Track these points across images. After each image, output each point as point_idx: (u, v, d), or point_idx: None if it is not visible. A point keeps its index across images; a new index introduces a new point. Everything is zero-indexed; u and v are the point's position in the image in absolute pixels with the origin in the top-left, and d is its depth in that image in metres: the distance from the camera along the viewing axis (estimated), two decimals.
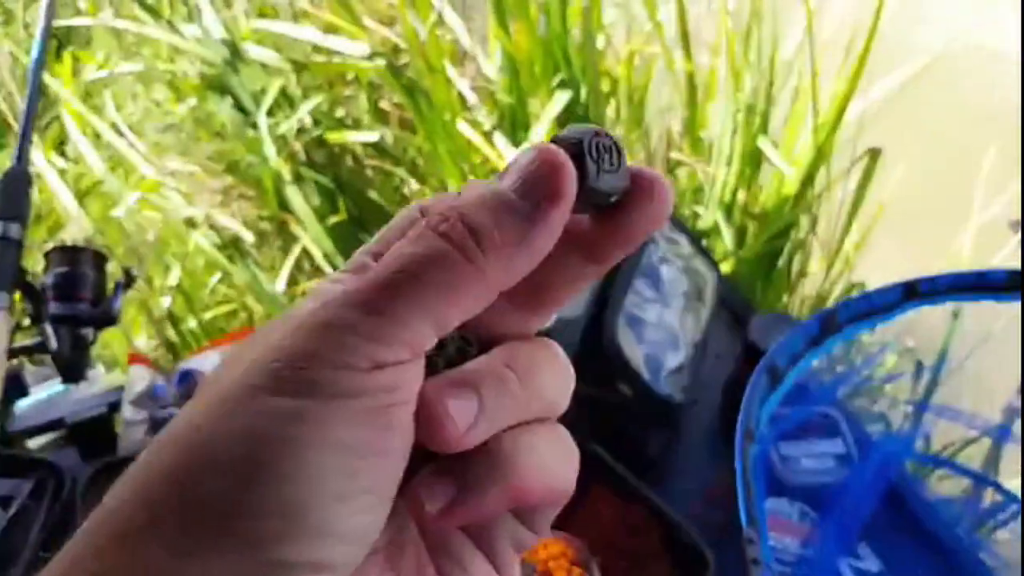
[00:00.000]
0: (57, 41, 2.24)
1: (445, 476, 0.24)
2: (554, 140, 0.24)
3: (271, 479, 0.21)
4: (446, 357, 0.25)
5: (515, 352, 0.25)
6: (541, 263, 0.24)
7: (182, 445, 0.22)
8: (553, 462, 0.25)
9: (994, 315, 1.19)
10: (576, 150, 0.23)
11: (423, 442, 0.23)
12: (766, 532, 0.87)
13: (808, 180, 1.50)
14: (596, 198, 0.24)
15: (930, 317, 1.21)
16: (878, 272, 1.57)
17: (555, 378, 0.25)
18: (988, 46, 1.84)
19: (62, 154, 2.18)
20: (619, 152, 0.24)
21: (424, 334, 0.23)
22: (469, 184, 0.25)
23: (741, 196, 1.56)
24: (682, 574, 0.90)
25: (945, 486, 1.26)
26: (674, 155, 1.72)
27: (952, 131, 1.81)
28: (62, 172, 1.95)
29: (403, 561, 0.25)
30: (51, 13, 1.16)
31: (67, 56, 2.14)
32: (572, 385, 0.26)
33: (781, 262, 1.56)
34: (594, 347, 0.96)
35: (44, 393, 1.38)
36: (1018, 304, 1.24)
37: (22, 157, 1.07)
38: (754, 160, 1.58)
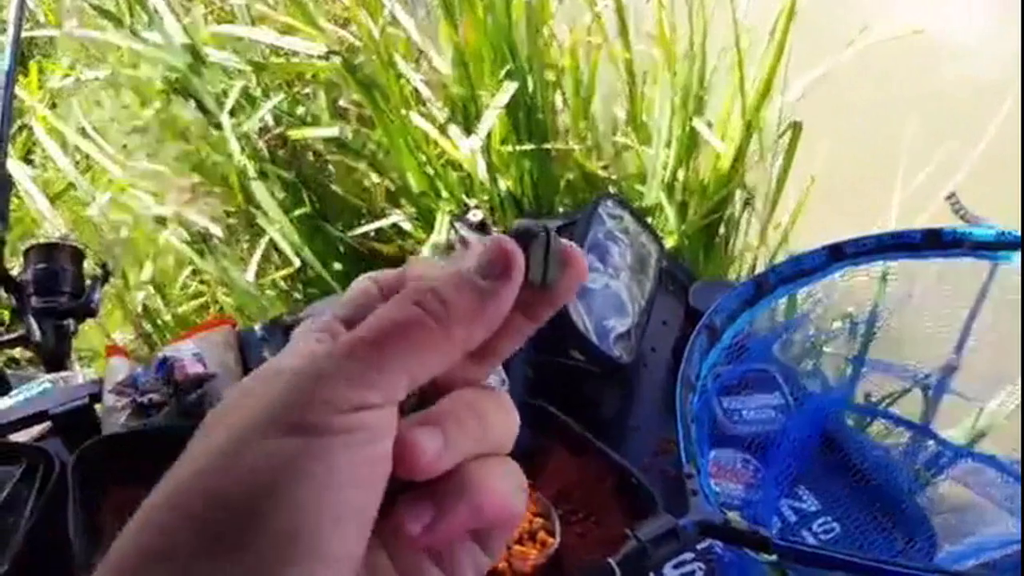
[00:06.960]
0: (21, 53, 2.26)
1: (423, 500, 0.27)
2: (514, 232, 0.29)
3: (280, 507, 0.24)
4: (409, 409, 0.29)
5: (467, 396, 0.29)
6: None
7: (194, 484, 0.25)
8: (508, 488, 0.28)
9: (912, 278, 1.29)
10: (530, 241, 0.29)
11: (399, 473, 0.27)
12: (707, 469, 0.94)
13: (740, 156, 1.59)
14: (544, 277, 0.29)
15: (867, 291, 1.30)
16: (817, 242, 1.67)
17: (503, 418, 0.29)
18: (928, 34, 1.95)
19: (29, 163, 2.21)
20: (558, 240, 0.30)
21: (399, 384, 0.27)
22: (414, 263, 0.31)
23: (681, 175, 1.65)
24: (635, 517, 0.97)
25: (890, 440, 1.35)
26: (619, 139, 1.81)
27: (880, 110, 1.92)
28: (32, 179, 1.99)
29: None
30: (20, 23, 1.22)
31: (33, 66, 2.17)
32: (517, 426, 0.30)
33: (720, 234, 1.65)
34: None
35: (29, 392, 1.43)
36: (936, 262, 1.33)
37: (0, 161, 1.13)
38: (691, 141, 1.65)
